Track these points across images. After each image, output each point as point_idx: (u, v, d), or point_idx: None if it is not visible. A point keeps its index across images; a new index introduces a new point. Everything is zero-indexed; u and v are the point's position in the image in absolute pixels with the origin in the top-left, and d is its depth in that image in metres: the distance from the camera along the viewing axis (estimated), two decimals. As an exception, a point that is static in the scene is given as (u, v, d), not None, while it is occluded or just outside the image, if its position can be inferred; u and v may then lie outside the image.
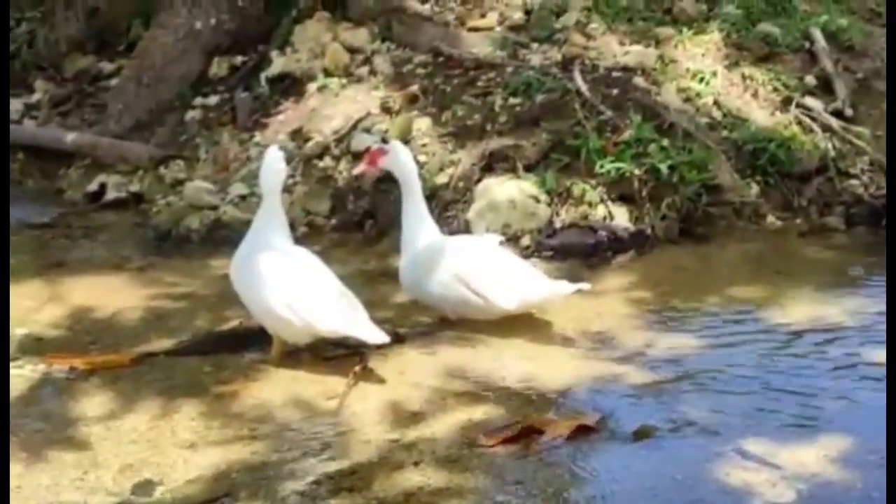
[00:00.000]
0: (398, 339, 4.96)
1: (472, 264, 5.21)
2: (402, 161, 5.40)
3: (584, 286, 5.19)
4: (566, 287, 5.16)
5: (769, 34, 7.99)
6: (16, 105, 8.98)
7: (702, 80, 7.58)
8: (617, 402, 4.43)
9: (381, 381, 4.63)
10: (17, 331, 5.30)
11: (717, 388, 4.58)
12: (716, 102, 7.42)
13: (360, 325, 4.66)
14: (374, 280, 5.97)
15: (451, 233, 6.09)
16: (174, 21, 8.54)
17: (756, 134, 7.14)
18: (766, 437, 4.09)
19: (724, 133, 7.18)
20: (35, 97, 9.10)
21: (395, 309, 5.54)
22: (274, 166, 5.03)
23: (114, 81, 8.98)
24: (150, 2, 9.12)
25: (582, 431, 4.14)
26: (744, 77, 7.64)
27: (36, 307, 5.66)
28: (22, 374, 4.80)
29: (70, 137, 8.31)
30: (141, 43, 8.80)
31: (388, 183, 6.95)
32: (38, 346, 5.14)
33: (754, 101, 7.53)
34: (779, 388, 4.56)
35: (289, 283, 4.76)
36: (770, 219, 6.88)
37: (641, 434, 4.13)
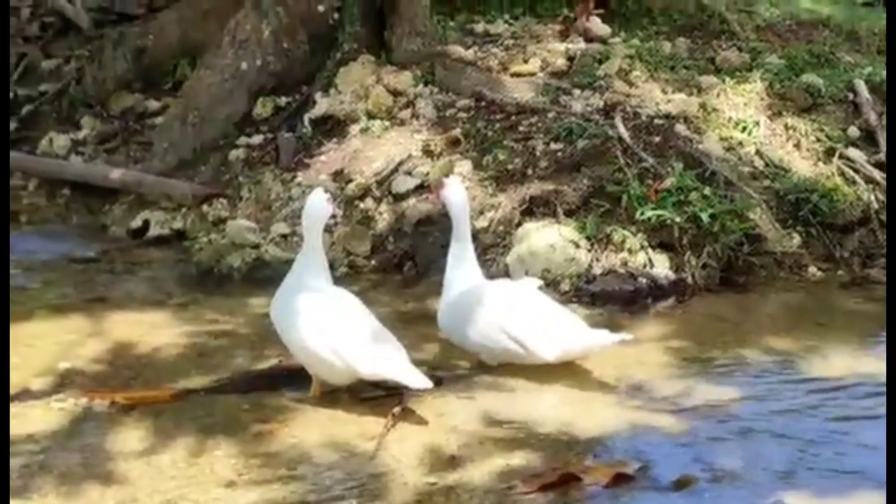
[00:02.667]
0: (436, 383, 4.95)
1: (514, 313, 5.17)
2: (454, 196, 5.42)
3: (626, 337, 5.16)
4: (608, 337, 5.12)
5: (812, 85, 7.99)
6: (63, 141, 9.11)
7: (744, 129, 7.59)
8: (656, 451, 4.39)
9: (420, 423, 4.62)
10: (59, 364, 5.35)
11: (757, 438, 4.54)
12: (758, 152, 7.42)
13: (403, 369, 4.66)
14: (412, 322, 5.97)
15: (491, 276, 6.08)
16: (221, 62, 8.65)
17: (798, 184, 7.13)
18: (805, 490, 4.05)
19: (766, 183, 7.17)
20: (82, 134, 9.22)
21: (433, 351, 5.54)
22: (317, 207, 5.05)
23: (159, 119, 9.10)
24: (196, 43, 9.27)
25: (621, 480, 4.10)
26: (786, 127, 7.65)
27: (78, 341, 5.71)
28: (63, 408, 4.83)
29: (115, 174, 8.41)
30: (187, 83, 8.91)
31: (427, 225, 6.99)
32: (79, 381, 5.17)
33: (797, 152, 7.53)
34: (819, 440, 4.52)
35: (330, 324, 4.76)
36: (811, 269, 6.85)
37: (681, 484, 4.09)
